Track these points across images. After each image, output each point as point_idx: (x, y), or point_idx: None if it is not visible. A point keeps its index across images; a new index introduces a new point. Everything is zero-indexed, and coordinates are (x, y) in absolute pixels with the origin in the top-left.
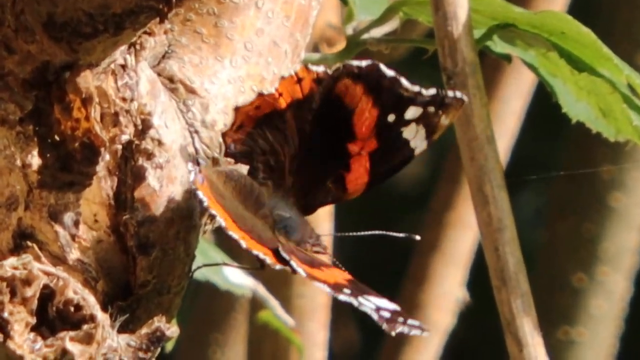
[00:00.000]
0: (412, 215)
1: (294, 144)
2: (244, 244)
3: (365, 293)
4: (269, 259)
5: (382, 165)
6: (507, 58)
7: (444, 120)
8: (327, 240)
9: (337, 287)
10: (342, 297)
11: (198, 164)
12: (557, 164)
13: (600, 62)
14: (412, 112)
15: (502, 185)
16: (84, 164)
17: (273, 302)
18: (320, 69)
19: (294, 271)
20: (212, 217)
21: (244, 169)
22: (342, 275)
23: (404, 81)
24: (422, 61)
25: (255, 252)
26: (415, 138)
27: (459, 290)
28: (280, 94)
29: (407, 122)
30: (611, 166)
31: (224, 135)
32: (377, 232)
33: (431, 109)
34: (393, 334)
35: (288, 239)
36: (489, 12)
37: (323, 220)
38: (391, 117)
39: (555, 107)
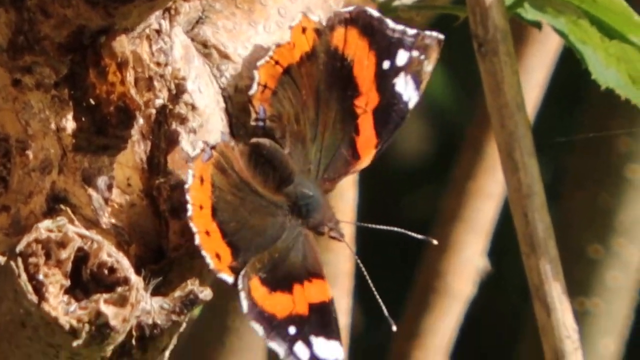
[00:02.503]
0: (427, 188)
1: (312, 107)
2: (197, 239)
3: (317, 332)
4: (223, 274)
5: (385, 122)
6: (538, 25)
7: (427, 66)
8: (351, 209)
9: (281, 326)
10: (273, 347)
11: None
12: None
13: (630, 30)
14: (401, 58)
15: (532, 152)
16: (119, 128)
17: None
18: (316, 18)
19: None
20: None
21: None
22: (318, 293)
23: (389, 21)
24: (453, 28)
25: (207, 256)
26: (407, 90)
27: (479, 259)
28: (294, 45)
29: (398, 71)
30: (627, 132)
31: (251, 98)
32: (396, 229)
33: (415, 53)
34: None
35: (307, 219)
36: None
37: (347, 189)
38: (386, 64)
39: (574, 80)
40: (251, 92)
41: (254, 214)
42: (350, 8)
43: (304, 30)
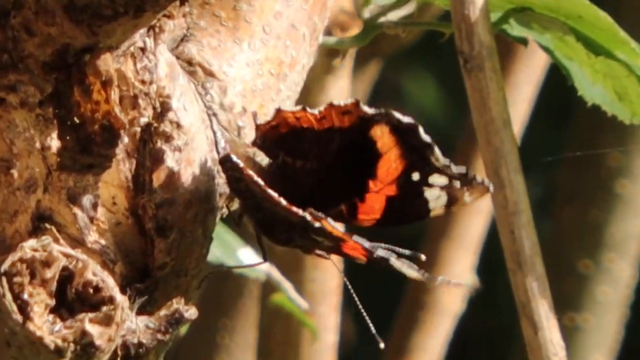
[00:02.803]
0: None
1: (318, 162)
2: (283, 201)
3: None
4: (308, 216)
5: (396, 211)
6: (524, 41)
7: (467, 198)
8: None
9: (369, 250)
10: (380, 253)
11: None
12: (564, 151)
13: (616, 46)
14: (437, 179)
15: (518, 169)
16: (104, 147)
17: (287, 285)
18: (369, 109)
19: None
20: (231, 198)
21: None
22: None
23: (437, 151)
24: (438, 45)
25: (294, 210)
26: (436, 202)
27: (468, 275)
28: (323, 117)
29: (431, 185)
30: (616, 151)
31: (257, 126)
32: (382, 245)
33: (457, 183)
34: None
35: None
36: None
37: None
38: (415, 176)
39: (562, 94)
40: (258, 121)
41: None
42: (405, 118)
43: (345, 112)
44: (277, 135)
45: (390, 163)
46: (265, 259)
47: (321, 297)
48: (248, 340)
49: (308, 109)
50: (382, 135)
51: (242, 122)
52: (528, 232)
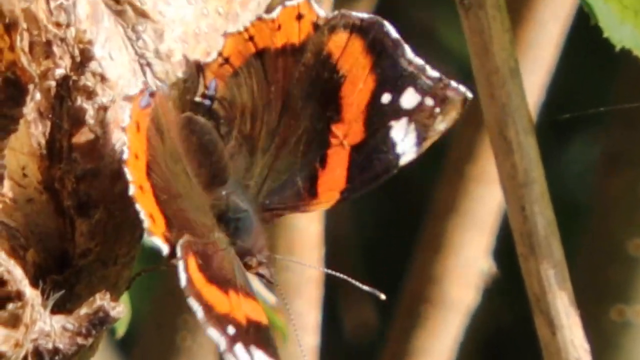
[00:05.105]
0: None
1: (275, 111)
2: (132, 189)
3: (256, 345)
4: (157, 238)
5: (362, 168)
6: None
7: (439, 123)
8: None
9: (220, 319)
10: (211, 334)
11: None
12: (608, 103)
13: None
14: (408, 99)
15: (530, 129)
16: (8, 105)
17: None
18: (321, 11)
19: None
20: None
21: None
22: (254, 313)
23: (409, 50)
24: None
25: (142, 212)
26: (404, 141)
27: (483, 260)
28: (279, 27)
29: (400, 113)
30: None
31: (204, 66)
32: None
33: (429, 101)
34: None
35: (235, 239)
36: None
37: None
38: (386, 98)
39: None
40: (207, 59)
41: (185, 199)
42: (365, 15)
43: (299, 17)
44: (231, 74)
45: (357, 82)
46: None
47: (297, 290)
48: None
49: (263, 16)
50: (343, 44)
51: (184, 73)
52: (542, 208)
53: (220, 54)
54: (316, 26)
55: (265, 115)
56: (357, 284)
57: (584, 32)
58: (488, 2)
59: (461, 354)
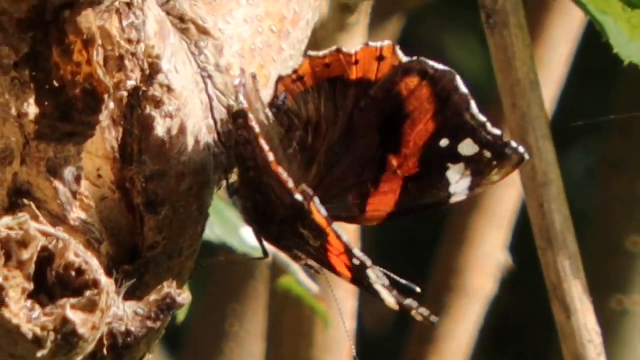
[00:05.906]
0: None
1: (339, 131)
2: (271, 156)
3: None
4: (291, 183)
5: (412, 197)
6: None
7: (495, 175)
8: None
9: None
10: (355, 261)
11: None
12: (609, 114)
13: None
14: (467, 147)
15: (547, 135)
16: (86, 113)
17: (295, 267)
18: (404, 57)
19: (314, 221)
20: (230, 170)
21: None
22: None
23: (474, 105)
24: (460, 1)
25: (290, 185)
26: (458, 184)
27: (501, 253)
28: (357, 62)
29: (457, 159)
30: None
31: (279, 79)
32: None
33: (487, 153)
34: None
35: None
36: None
37: None
38: (444, 142)
39: (607, 51)
40: (282, 74)
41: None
42: (440, 66)
43: (380, 58)
44: (302, 91)
45: (419, 123)
46: (266, 254)
47: (337, 280)
48: (259, 327)
49: (343, 49)
50: (412, 88)
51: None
52: (559, 205)
53: (295, 72)
54: (393, 67)
55: (328, 134)
56: (396, 277)
57: (584, 50)
58: (512, 22)
59: (480, 338)
